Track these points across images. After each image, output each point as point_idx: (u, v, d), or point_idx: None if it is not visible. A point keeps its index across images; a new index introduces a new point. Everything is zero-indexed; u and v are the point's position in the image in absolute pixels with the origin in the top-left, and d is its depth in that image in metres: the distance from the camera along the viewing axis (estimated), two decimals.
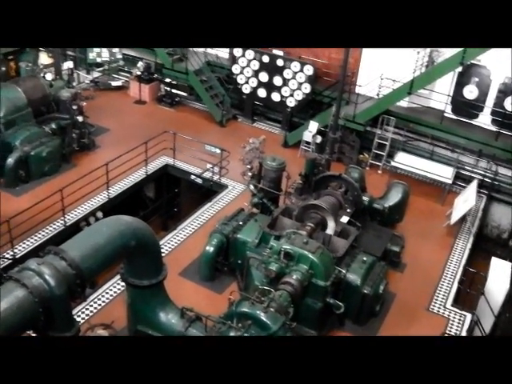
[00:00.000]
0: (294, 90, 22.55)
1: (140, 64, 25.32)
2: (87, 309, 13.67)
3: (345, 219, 15.06)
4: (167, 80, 25.08)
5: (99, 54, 25.97)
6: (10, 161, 18.01)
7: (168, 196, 21.29)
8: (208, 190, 19.37)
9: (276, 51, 22.51)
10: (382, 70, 20.38)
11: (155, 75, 25.50)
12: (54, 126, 19.44)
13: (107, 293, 14.31)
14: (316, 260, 12.27)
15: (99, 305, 13.93)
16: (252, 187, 15.83)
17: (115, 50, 26.06)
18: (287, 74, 22.37)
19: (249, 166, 16.00)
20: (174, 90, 25.19)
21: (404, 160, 20.43)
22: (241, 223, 14.93)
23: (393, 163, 20.43)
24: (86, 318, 13.37)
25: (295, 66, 22.11)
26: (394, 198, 16.58)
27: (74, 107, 19.77)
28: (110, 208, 17.37)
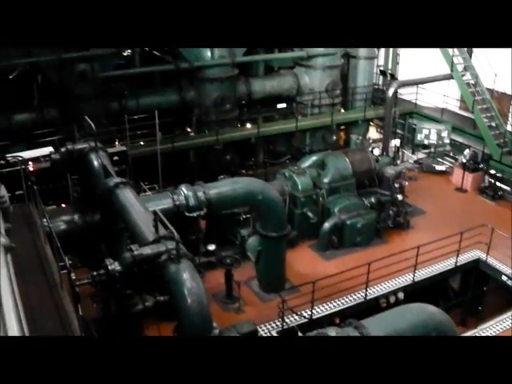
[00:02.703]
0: None
1: (467, 151, 24.92)
2: None
3: None
4: (492, 171, 24.22)
5: (427, 135, 26.26)
6: (326, 225, 19.08)
7: (474, 292, 20.29)
8: None
9: None
10: None
11: (481, 165, 24.80)
12: (373, 200, 20.08)
13: None
14: None
15: None
16: None
17: (444, 134, 26.12)
18: None
19: None
20: (498, 183, 24.20)
21: None
22: None
23: None
24: None
25: None
26: None
27: (396, 185, 20.19)
28: (412, 291, 17.23)
